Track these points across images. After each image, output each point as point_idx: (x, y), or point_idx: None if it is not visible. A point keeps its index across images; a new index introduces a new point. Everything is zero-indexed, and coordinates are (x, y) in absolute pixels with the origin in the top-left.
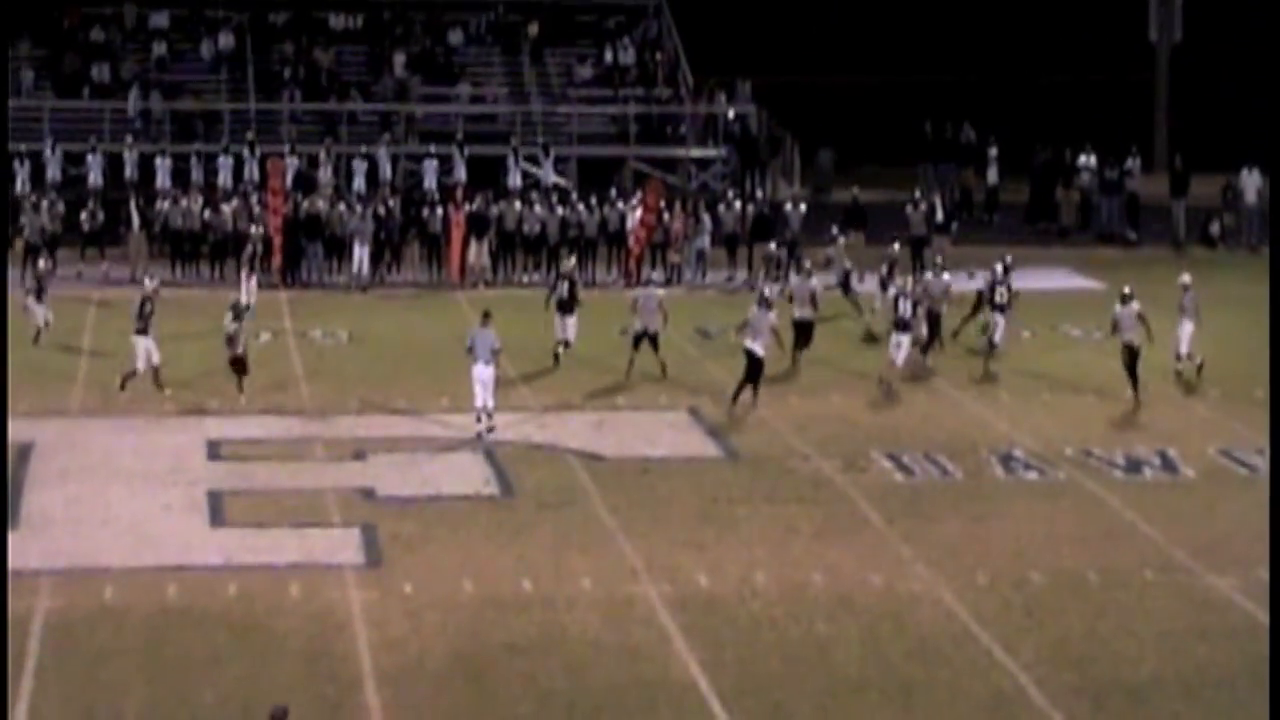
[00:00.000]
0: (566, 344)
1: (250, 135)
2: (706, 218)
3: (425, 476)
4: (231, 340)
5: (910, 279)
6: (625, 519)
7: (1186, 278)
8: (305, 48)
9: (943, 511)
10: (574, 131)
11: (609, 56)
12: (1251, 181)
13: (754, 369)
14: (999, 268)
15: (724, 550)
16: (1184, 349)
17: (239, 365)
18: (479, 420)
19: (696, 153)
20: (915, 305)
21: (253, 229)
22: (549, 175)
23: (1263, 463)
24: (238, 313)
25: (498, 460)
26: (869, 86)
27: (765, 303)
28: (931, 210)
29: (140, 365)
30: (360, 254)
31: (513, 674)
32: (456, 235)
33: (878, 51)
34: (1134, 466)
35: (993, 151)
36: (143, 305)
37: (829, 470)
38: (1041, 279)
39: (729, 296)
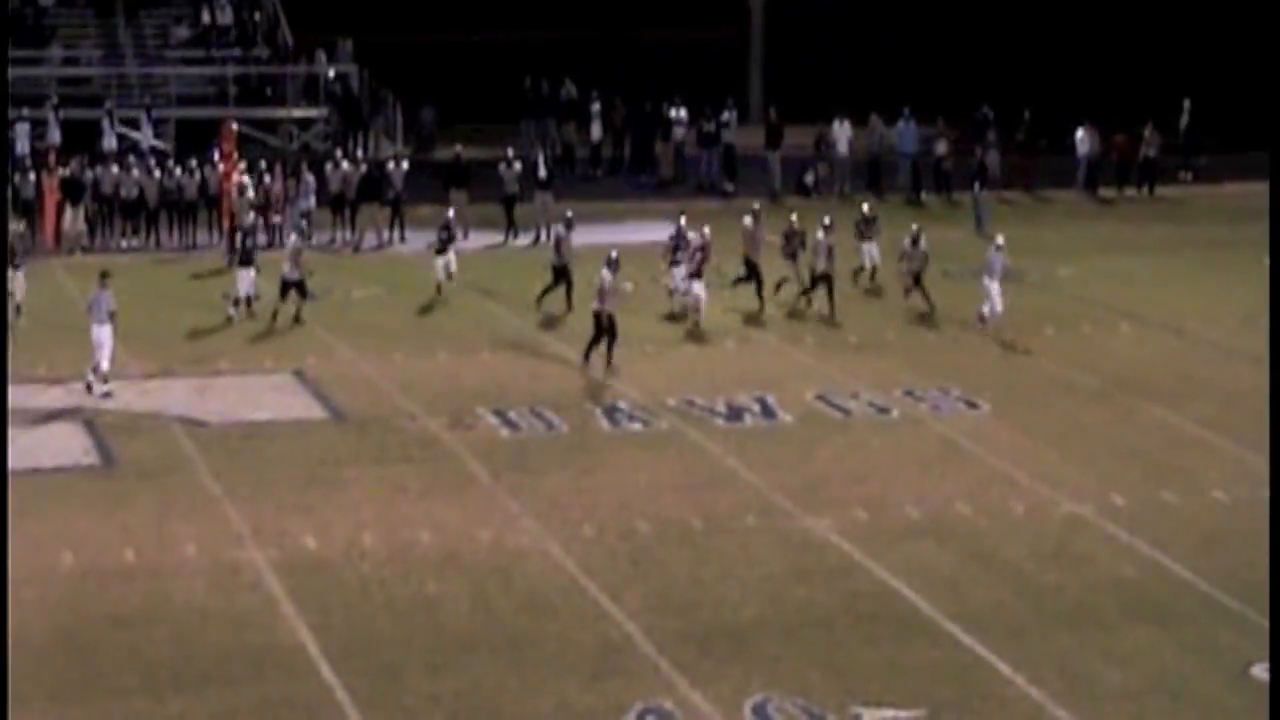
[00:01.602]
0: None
1: None
2: (310, 178)
3: (22, 449)
4: None
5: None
6: (230, 485)
7: (1000, 239)
8: None
9: (549, 465)
10: (172, 93)
11: (206, 17)
12: (843, 132)
13: (610, 330)
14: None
15: (331, 512)
16: (998, 308)
17: None
18: (94, 380)
19: (298, 113)
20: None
21: None
22: (147, 138)
23: (856, 406)
24: None
25: (98, 430)
26: (470, 44)
27: (612, 265)
28: (529, 167)
29: None
30: None
31: (117, 645)
32: (50, 201)
33: (478, 9)
34: (735, 414)
35: (594, 107)
36: None
37: (435, 428)
38: (642, 231)
39: (334, 257)
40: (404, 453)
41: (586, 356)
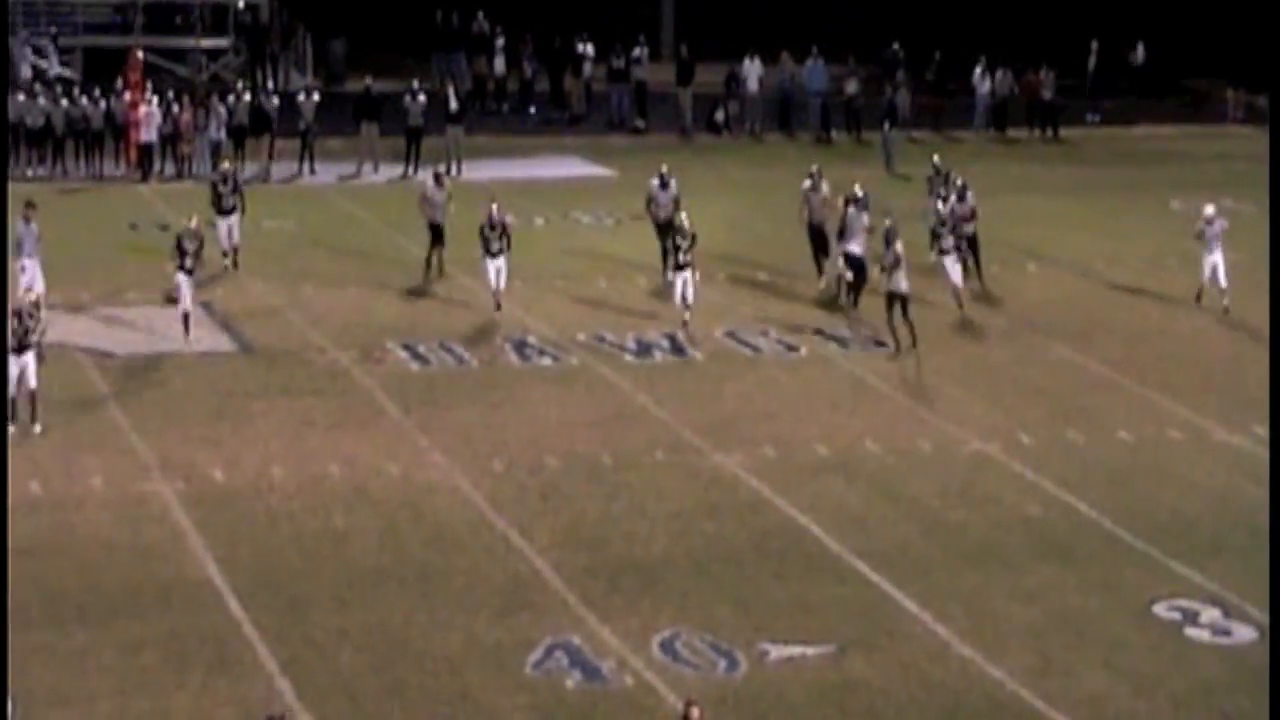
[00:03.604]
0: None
1: None
2: (221, 109)
3: None
4: None
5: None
6: (137, 417)
7: (1211, 209)
8: None
9: (459, 400)
10: (79, 21)
11: None
12: (753, 70)
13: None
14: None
15: (239, 445)
16: (1223, 282)
17: None
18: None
19: (206, 43)
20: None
21: None
22: (53, 66)
23: (766, 344)
24: None
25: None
26: None
27: (859, 202)
28: (439, 100)
29: None
30: None
31: (22, 577)
32: None
33: None
34: (644, 350)
35: (499, 41)
36: None
37: (345, 362)
38: (553, 167)
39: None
40: (313, 386)
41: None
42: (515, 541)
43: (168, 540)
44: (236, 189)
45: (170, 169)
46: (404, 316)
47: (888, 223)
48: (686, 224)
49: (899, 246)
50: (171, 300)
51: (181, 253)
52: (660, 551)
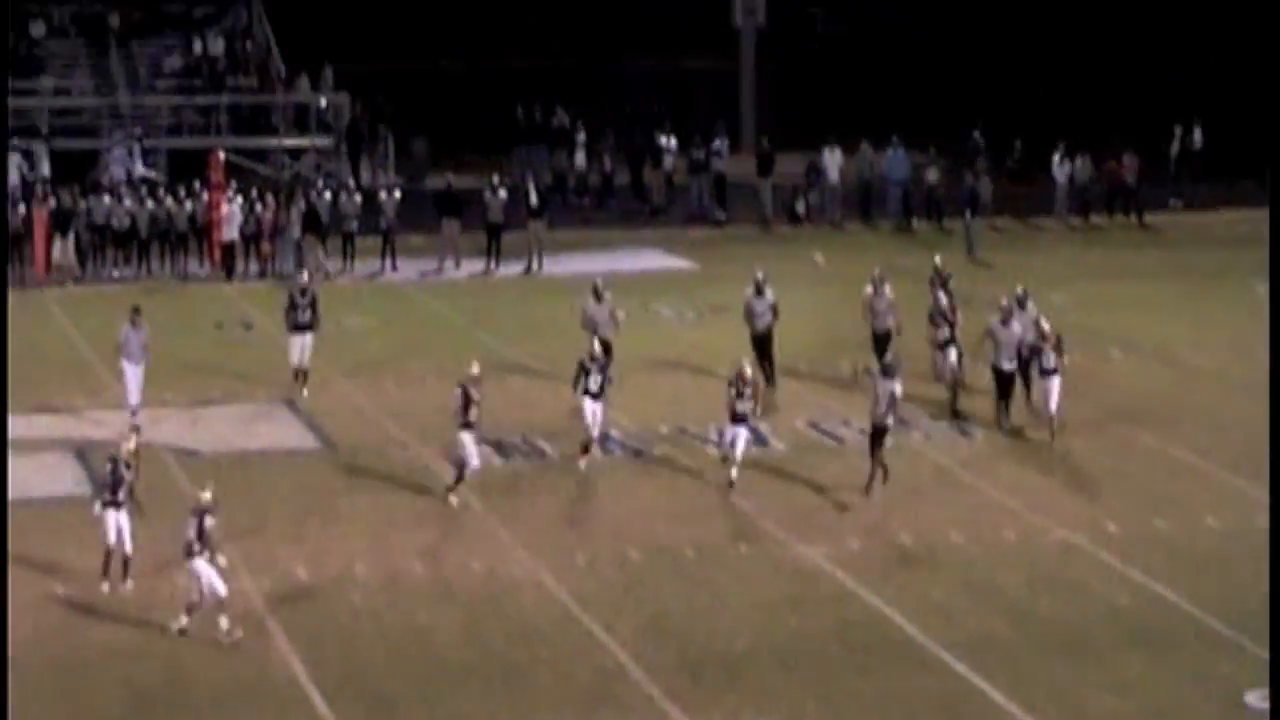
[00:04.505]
0: None
1: None
2: (303, 207)
3: (15, 479)
4: None
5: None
6: (222, 514)
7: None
8: None
9: (542, 494)
10: (164, 123)
11: (198, 47)
12: (833, 159)
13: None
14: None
15: (323, 542)
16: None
17: None
18: (132, 420)
19: (289, 142)
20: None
21: None
22: (139, 168)
23: (849, 434)
24: None
25: (89, 460)
26: (462, 73)
27: (1020, 305)
28: (519, 195)
29: None
30: None
31: (109, 676)
32: (40, 232)
33: (470, 37)
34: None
35: (580, 135)
36: None
37: (428, 457)
38: (633, 260)
39: (326, 286)
40: (396, 482)
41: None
42: (599, 636)
43: (253, 638)
44: (313, 305)
45: (254, 268)
46: (486, 412)
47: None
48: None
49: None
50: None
51: (114, 483)
52: (744, 645)
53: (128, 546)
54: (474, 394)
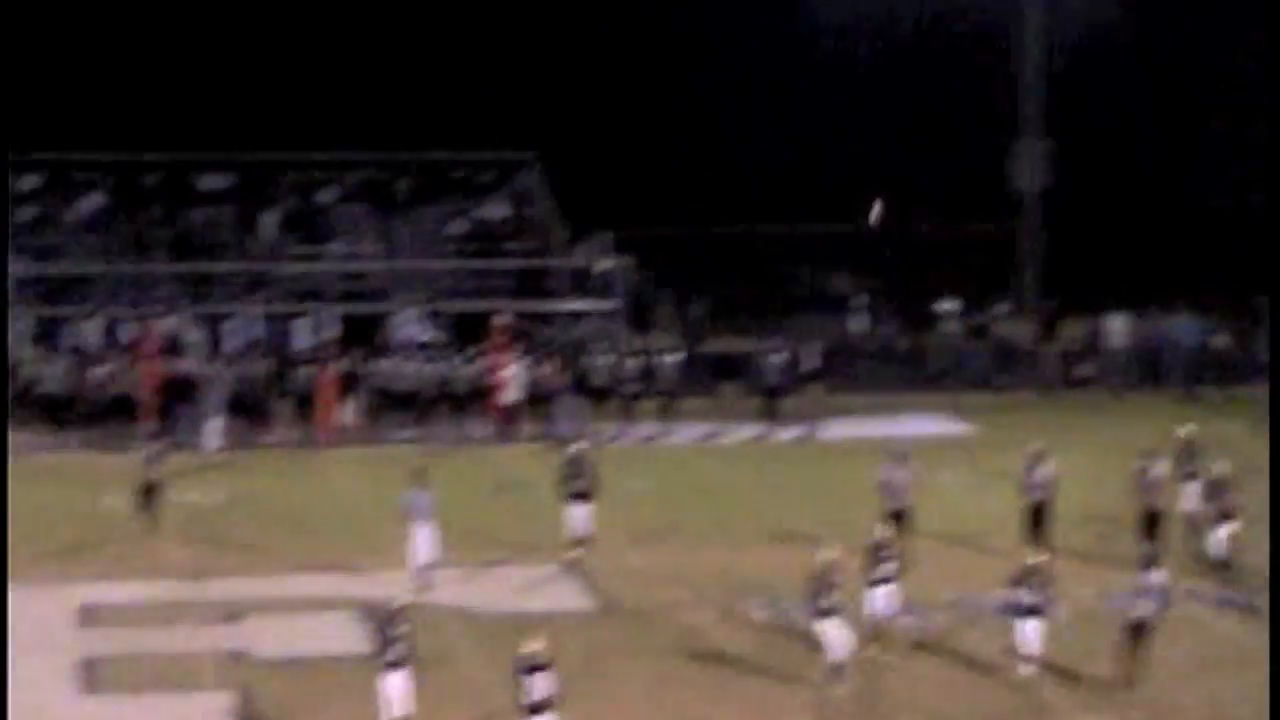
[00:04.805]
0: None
1: (125, 297)
2: (582, 370)
3: (300, 636)
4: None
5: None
6: (500, 675)
7: None
8: (175, 208)
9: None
10: (447, 286)
11: (481, 211)
12: (1117, 324)
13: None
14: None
15: (601, 705)
16: None
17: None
18: (414, 582)
19: (570, 305)
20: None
21: None
22: (422, 331)
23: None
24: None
25: (372, 620)
26: (740, 236)
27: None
28: (794, 359)
29: None
30: (215, 418)
31: None
32: (327, 393)
33: (747, 201)
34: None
35: (862, 299)
36: None
37: (706, 622)
38: (912, 425)
39: (603, 449)
40: (674, 646)
41: None
42: None
43: None
44: (590, 472)
45: (533, 430)
46: (764, 575)
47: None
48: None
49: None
50: None
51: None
52: None
53: (409, 707)
54: (834, 578)
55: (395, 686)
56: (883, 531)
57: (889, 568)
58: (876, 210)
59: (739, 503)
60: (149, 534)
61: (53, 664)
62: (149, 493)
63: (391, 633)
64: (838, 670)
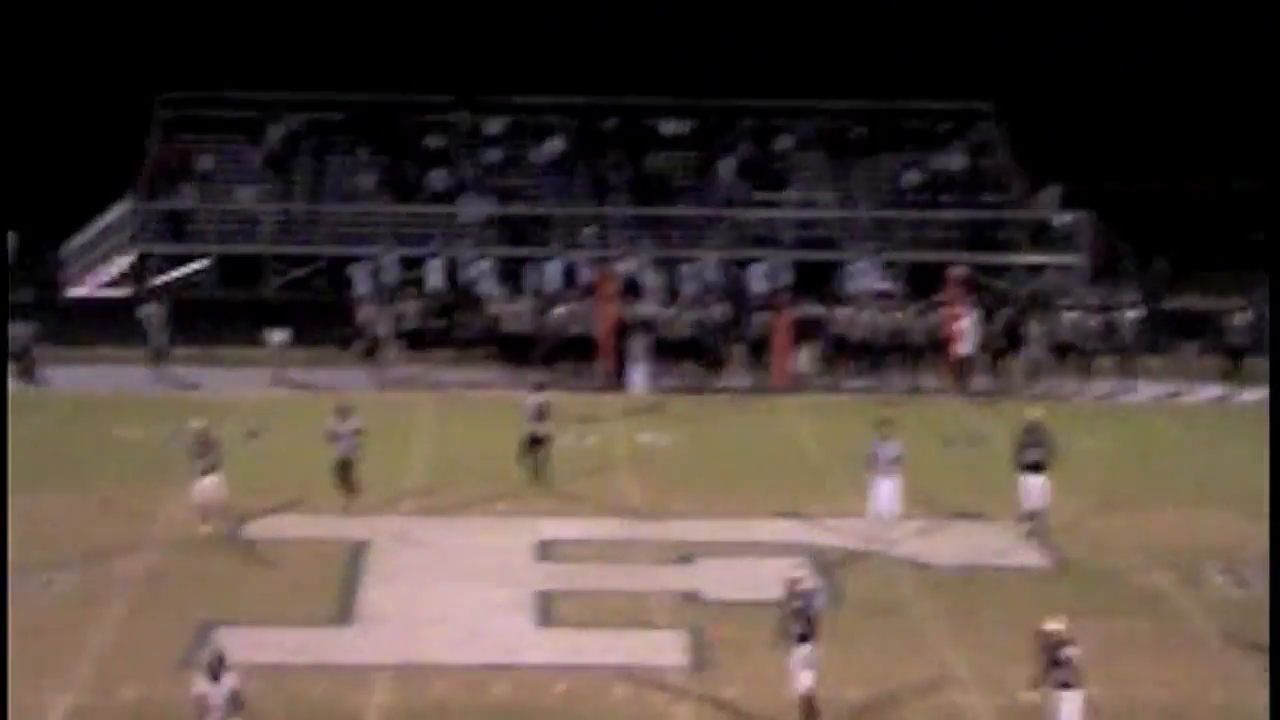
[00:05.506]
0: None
1: (584, 237)
2: (1035, 325)
3: (752, 581)
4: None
5: None
6: (950, 628)
7: None
8: (635, 153)
9: None
10: (903, 237)
11: (937, 161)
12: None
13: None
14: None
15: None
16: None
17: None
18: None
19: (1029, 259)
20: None
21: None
22: (878, 280)
23: None
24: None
25: (825, 567)
26: (1209, 193)
27: None
28: (1259, 319)
29: None
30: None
31: None
32: (782, 340)
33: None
34: None
35: None
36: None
37: (1164, 584)
38: None
39: (1060, 404)
40: (1127, 608)
41: None
42: None
43: None
44: (1043, 443)
45: (988, 383)
46: (1225, 540)
47: None
48: None
49: None
50: None
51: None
52: None
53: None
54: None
55: (804, 662)
56: None
57: None
58: None
59: (1199, 465)
60: (529, 485)
61: (512, 596)
62: (534, 444)
63: (797, 605)
64: None
